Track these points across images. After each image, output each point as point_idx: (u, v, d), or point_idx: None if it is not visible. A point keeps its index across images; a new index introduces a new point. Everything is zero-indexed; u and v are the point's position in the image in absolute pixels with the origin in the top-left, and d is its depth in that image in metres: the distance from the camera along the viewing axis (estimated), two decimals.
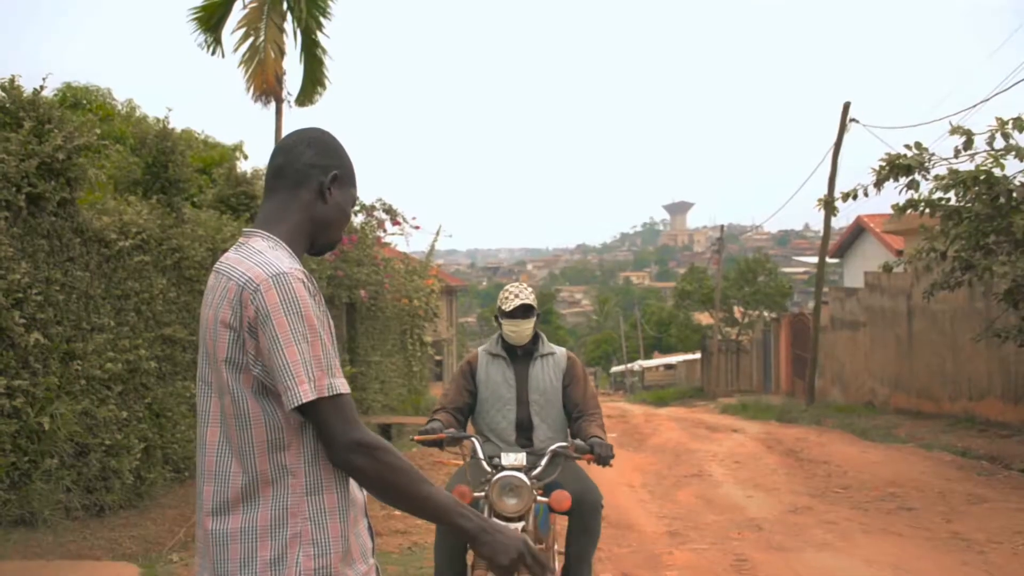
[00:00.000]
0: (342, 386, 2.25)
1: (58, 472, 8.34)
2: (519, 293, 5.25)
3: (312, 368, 2.21)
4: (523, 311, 5.21)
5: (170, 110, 11.80)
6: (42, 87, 8.74)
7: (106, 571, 6.58)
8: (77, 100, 19.10)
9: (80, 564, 7.04)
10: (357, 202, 2.86)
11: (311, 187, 2.51)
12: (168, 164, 10.99)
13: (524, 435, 5.15)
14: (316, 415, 2.23)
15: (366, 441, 2.23)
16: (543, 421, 5.19)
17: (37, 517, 8.04)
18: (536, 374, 5.26)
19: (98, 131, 9.01)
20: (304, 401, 2.19)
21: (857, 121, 22.73)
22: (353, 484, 2.46)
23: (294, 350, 2.21)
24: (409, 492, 2.28)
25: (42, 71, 9.29)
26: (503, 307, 5.22)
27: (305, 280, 2.31)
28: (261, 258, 2.33)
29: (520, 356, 5.31)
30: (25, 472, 8.02)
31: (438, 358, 37.78)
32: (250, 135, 22.38)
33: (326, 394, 2.21)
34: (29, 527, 7.92)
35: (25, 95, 8.63)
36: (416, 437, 4.81)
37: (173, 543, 8.31)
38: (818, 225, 23.86)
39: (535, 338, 5.38)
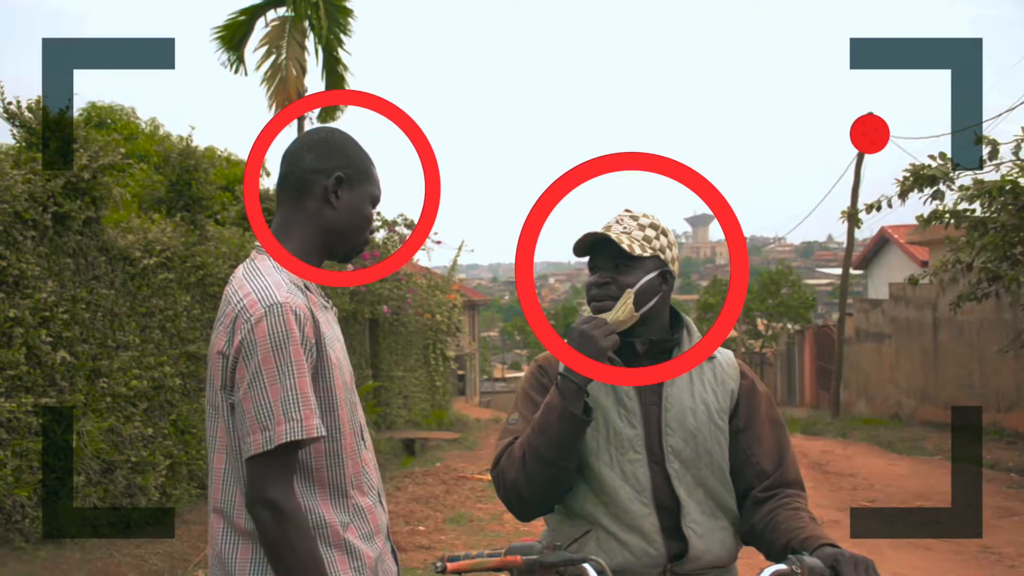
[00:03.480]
0: (292, 433, 2.09)
1: (85, 489, 8.38)
2: (620, 220, 2.70)
3: (271, 414, 2.09)
4: (608, 252, 2.64)
5: (193, 128, 11.89)
6: (67, 107, 8.82)
7: None
8: (102, 119, 19.28)
9: None
10: (378, 204, 2.51)
11: (315, 194, 2.36)
12: (191, 182, 11.05)
13: (666, 519, 2.57)
14: (251, 462, 2.14)
15: (280, 507, 2.09)
16: (690, 495, 2.59)
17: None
18: (678, 395, 2.63)
19: (123, 150, 9.07)
20: (252, 455, 2.11)
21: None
22: (379, 509, 2.40)
23: (260, 395, 2.11)
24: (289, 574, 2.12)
25: (69, 91, 9.37)
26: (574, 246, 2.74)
27: (299, 312, 2.18)
28: (261, 282, 2.22)
29: (644, 356, 2.66)
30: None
31: (460, 372, 37.82)
32: (272, 152, 22.59)
33: (264, 449, 2.09)
34: (57, 544, 7.95)
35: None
36: (451, 567, 2.32)
37: (199, 559, 8.32)
38: (841, 236, 23.73)
39: (672, 321, 2.76)
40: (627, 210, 2.71)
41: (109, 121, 19.62)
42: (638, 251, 2.58)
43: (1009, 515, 9.92)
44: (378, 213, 19.60)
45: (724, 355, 2.74)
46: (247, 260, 2.38)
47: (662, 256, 2.63)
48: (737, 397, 2.68)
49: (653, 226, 2.65)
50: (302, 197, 2.37)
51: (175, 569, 8.13)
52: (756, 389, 2.72)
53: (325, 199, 2.36)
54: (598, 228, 2.66)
